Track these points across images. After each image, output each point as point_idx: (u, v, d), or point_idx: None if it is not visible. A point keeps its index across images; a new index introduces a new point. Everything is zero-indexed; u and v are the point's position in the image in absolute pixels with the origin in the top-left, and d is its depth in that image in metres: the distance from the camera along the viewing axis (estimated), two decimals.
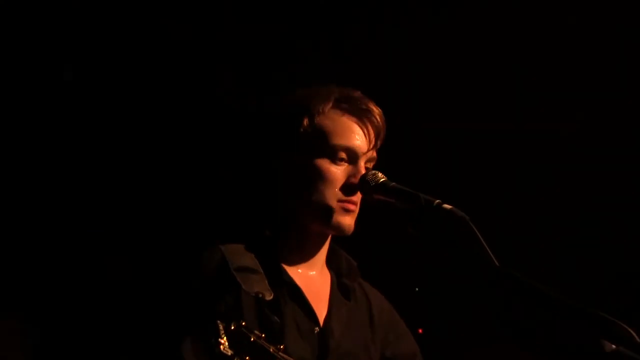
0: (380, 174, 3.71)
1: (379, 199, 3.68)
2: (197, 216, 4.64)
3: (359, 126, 3.69)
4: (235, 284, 3.42)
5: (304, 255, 3.70)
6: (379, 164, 3.70)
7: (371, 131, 3.66)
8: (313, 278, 3.68)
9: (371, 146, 3.65)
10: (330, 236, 3.73)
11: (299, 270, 3.67)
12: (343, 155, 3.61)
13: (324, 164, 3.60)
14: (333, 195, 3.58)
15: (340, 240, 3.73)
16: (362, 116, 3.65)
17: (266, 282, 3.49)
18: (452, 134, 4.87)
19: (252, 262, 3.53)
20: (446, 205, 3.41)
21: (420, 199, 3.51)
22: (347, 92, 3.76)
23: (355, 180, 3.61)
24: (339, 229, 3.62)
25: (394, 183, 3.65)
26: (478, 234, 3.29)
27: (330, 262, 3.77)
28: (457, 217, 3.32)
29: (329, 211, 3.57)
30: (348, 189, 3.60)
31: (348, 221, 3.60)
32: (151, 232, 4.59)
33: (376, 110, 3.76)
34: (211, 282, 3.47)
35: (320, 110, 3.68)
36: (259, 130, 3.82)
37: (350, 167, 3.62)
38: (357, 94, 3.78)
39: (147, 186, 4.63)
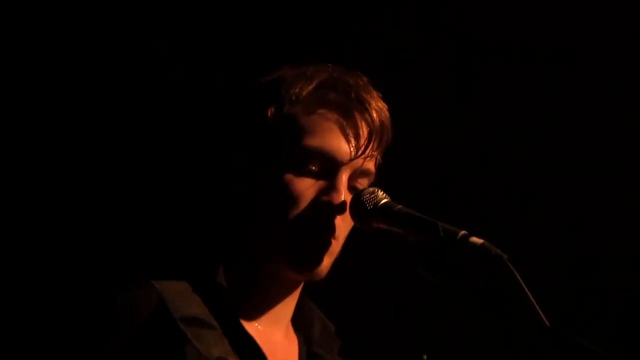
0: (380, 193, 2.69)
1: (379, 229, 2.67)
2: (121, 239, 3.73)
3: (344, 124, 2.68)
4: (182, 342, 2.42)
5: (262, 307, 2.68)
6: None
7: (363, 132, 2.65)
8: (276, 343, 2.67)
9: (360, 153, 2.64)
10: (301, 284, 2.73)
11: (258, 327, 2.65)
12: (314, 163, 2.62)
13: (286, 174, 2.63)
14: (296, 219, 2.60)
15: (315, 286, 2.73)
16: (350, 110, 2.65)
17: (227, 342, 2.51)
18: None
19: (201, 310, 2.53)
20: (475, 239, 2.43)
21: (439, 229, 2.49)
22: (341, 76, 2.75)
23: (331, 199, 2.61)
24: (304, 270, 2.63)
25: (400, 206, 2.63)
26: (520, 280, 2.33)
27: (297, 323, 2.76)
28: (491, 256, 2.37)
29: (290, 244, 2.61)
30: (319, 211, 2.60)
31: (318, 260, 2.61)
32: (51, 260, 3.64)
33: (375, 104, 2.72)
34: (143, 338, 2.44)
35: (294, 97, 2.67)
36: (209, 126, 2.93)
37: (323, 181, 2.63)
38: (355, 79, 2.76)
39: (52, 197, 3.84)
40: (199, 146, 3.19)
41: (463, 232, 2.47)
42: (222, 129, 2.88)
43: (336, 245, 2.61)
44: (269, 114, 2.64)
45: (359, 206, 2.68)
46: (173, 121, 3.86)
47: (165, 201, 3.73)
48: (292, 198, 2.60)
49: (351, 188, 2.74)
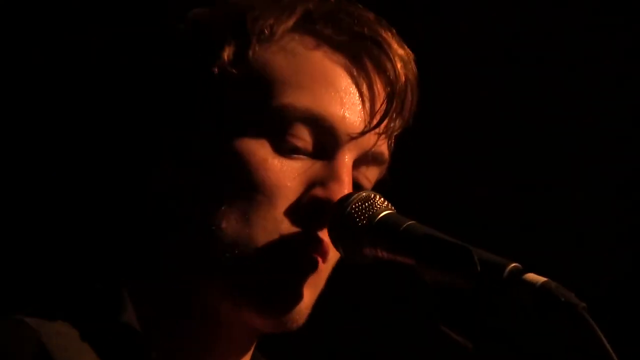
0: (379, 199, 1.81)
1: (376, 258, 1.80)
2: None
3: (350, 76, 1.88)
4: None
5: None
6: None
7: (378, 92, 1.89)
8: None
9: (375, 123, 1.87)
10: (256, 336, 1.98)
11: None
12: (301, 135, 1.83)
13: (259, 150, 1.83)
14: (269, 228, 1.83)
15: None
16: (359, 54, 1.88)
17: None
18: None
19: None
20: (533, 276, 1.62)
21: (473, 260, 1.64)
22: (340, 4, 1.93)
23: (328, 194, 1.84)
24: (275, 314, 1.85)
25: (410, 221, 1.77)
26: (605, 342, 1.59)
27: None
28: (559, 303, 1.60)
29: (254, 269, 1.83)
30: (307, 213, 1.83)
31: (296, 297, 1.85)
32: None
33: (398, 49, 1.91)
34: None
35: (267, 33, 1.87)
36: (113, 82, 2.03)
37: (320, 163, 1.86)
38: (364, 11, 1.93)
39: None
40: (96, 113, 2.19)
41: (513, 264, 1.64)
42: (137, 85, 1.97)
43: (325, 273, 1.89)
44: (225, 58, 1.85)
45: (344, 221, 1.80)
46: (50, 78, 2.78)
47: (48, 199, 2.64)
48: (262, 190, 1.83)
49: (354, 183, 1.92)
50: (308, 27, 1.88)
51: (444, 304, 1.67)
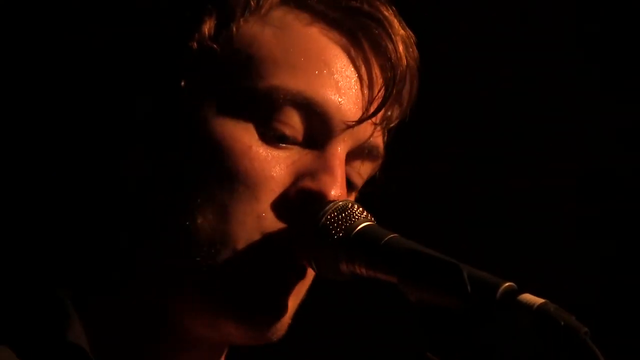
0: (358, 209, 1.64)
1: (354, 275, 1.62)
2: None
3: (346, 56, 1.71)
4: None
5: None
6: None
7: (376, 76, 1.72)
8: None
9: (372, 111, 1.70)
10: (226, 348, 1.79)
11: None
12: (293, 120, 1.67)
13: (243, 137, 1.65)
14: (255, 219, 1.64)
15: None
16: (356, 33, 1.72)
17: None
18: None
19: None
20: (529, 297, 1.47)
21: (463, 279, 1.47)
22: None
23: (320, 187, 1.67)
24: (256, 325, 1.67)
25: (392, 234, 1.60)
26: None
27: None
28: (558, 327, 1.44)
29: (232, 273, 1.65)
30: (298, 206, 1.66)
31: (280, 305, 1.68)
32: None
33: (399, 30, 1.74)
34: None
35: (253, 3, 1.69)
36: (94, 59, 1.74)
37: (310, 153, 1.69)
38: None
39: None
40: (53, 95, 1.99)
41: (507, 284, 1.48)
42: (101, 60, 1.74)
43: (309, 278, 1.71)
44: (205, 32, 1.66)
45: (318, 233, 1.62)
46: None
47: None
48: (244, 181, 1.64)
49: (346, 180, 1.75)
50: (301, 0, 1.70)
51: (431, 325, 1.50)
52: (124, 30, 1.72)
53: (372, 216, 1.64)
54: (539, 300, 1.45)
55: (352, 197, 1.74)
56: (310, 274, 1.69)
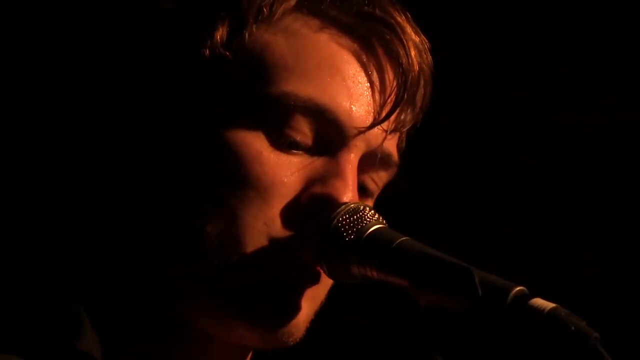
0: (369, 212, 1.63)
1: (365, 279, 1.61)
2: None
3: (360, 60, 1.70)
4: None
5: None
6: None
7: (389, 80, 1.71)
8: None
9: (384, 114, 1.69)
10: (250, 354, 1.76)
11: None
12: (301, 127, 1.65)
13: (254, 142, 1.64)
14: (265, 224, 1.63)
15: None
16: (369, 38, 1.71)
17: None
18: None
19: None
20: (541, 301, 1.45)
21: (474, 282, 1.46)
22: None
23: (331, 193, 1.65)
24: (270, 327, 1.65)
25: (404, 237, 1.59)
26: None
27: None
28: (569, 332, 1.42)
29: (246, 273, 1.64)
30: (309, 211, 1.65)
31: (293, 308, 1.66)
32: None
33: (412, 35, 1.73)
34: None
35: (265, 10, 1.68)
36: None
37: (321, 159, 1.68)
38: None
39: None
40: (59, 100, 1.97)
41: (518, 288, 1.47)
42: (110, 65, 1.73)
43: (325, 283, 1.70)
44: (217, 39, 1.65)
45: (329, 236, 1.61)
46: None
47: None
48: (255, 186, 1.64)
49: (359, 186, 1.72)
50: (312, 6, 1.69)
51: (441, 329, 1.49)
52: (136, 34, 1.71)
53: (383, 219, 1.63)
54: (550, 305, 1.44)
55: (369, 203, 1.73)
56: (326, 278, 1.67)
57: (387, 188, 1.78)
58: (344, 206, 1.62)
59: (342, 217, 1.60)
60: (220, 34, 1.64)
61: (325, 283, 1.69)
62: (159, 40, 1.69)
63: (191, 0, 1.70)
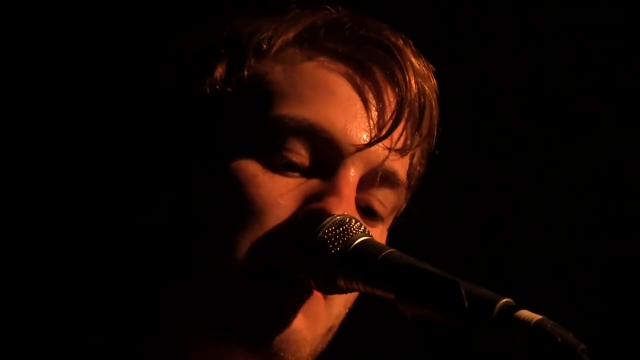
0: (355, 223, 1.62)
1: (353, 291, 1.62)
2: None
3: (354, 82, 1.72)
4: None
5: None
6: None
7: (388, 101, 1.73)
8: None
9: (383, 133, 1.71)
10: None
11: None
12: (299, 149, 1.67)
13: (249, 166, 1.67)
14: (262, 245, 1.65)
15: None
16: (365, 62, 1.74)
17: None
18: None
19: None
20: (527, 313, 1.45)
21: (461, 295, 1.45)
22: (347, 15, 1.77)
23: (325, 207, 1.65)
24: (264, 342, 1.64)
25: (390, 249, 1.58)
26: None
27: None
28: (556, 344, 1.42)
29: (245, 292, 1.64)
30: (305, 230, 1.63)
31: (290, 323, 1.65)
32: None
33: (411, 57, 1.75)
34: None
35: (264, 45, 1.72)
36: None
37: (318, 179, 1.68)
38: (367, 18, 1.77)
39: None
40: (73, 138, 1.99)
41: (504, 300, 1.46)
42: (123, 107, 1.84)
43: (330, 305, 1.70)
44: (217, 77, 1.69)
45: (315, 248, 1.61)
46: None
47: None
48: (251, 209, 1.65)
49: (360, 206, 1.72)
50: (310, 39, 1.72)
51: (428, 341, 1.48)
52: (138, 75, 1.76)
53: (370, 231, 1.63)
54: (536, 317, 1.44)
55: (379, 228, 1.73)
56: (331, 298, 1.67)
57: (403, 215, 1.79)
58: (329, 218, 1.61)
59: (327, 230, 1.60)
60: (220, 71, 1.68)
61: (330, 305, 1.68)
62: (163, 79, 1.75)
63: (196, 43, 1.75)
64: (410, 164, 1.76)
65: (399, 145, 1.70)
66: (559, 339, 1.40)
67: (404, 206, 1.79)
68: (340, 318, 1.71)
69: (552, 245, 3.16)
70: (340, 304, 1.68)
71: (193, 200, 1.68)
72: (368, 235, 1.61)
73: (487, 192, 3.13)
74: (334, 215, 1.62)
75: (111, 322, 1.72)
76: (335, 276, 1.59)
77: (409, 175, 1.75)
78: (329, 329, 1.70)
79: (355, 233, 1.60)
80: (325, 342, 1.70)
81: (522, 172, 3.16)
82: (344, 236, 1.59)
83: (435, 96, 1.75)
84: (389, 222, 1.75)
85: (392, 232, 1.73)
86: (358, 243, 1.59)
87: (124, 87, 1.81)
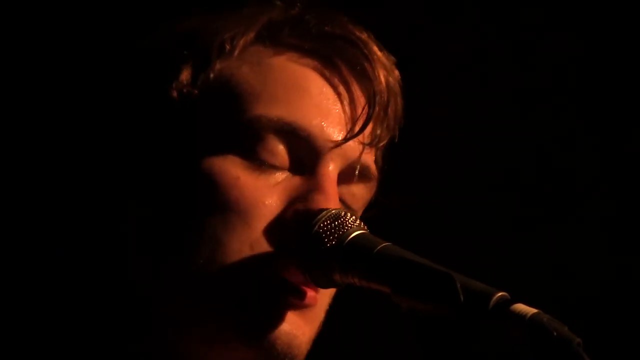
0: (350, 217, 1.63)
1: (346, 285, 1.61)
2: None
3: (324, 76, 1.72)
4: None
5: None
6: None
7: (357, 96, 1.74)
8: None
9: (358, 128, 1.72)
10: None
11: None
12: (278, 148, 1.68)
13: (230, 169, 1.66)
14: (249, 246, 1.64)
15: None
16: (333, 58, 1.74)
17: None
18: None
19: None
20: (522, 307, 1.44)
21: (456, 288, 1.45)
22: (310, 10, 1.77)
23: (311, 205, 1.65)
24: (262, 341, 1.63)
25: (385, 243, 1.58)
26: None
27: None
28: (551, 338, 1.41)
29: (235, 293, 1.64)
30: (291, 230, 1.64)
31: (291, 325, 1.65)
32: None
33: (375, 49, 1.75)
34: None
35: (227, 46, 1.71)
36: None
37: (299, 177, 1.69)
38: (328, 11, 1.77)
39: None
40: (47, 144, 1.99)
41: (500, 293, 1.46)
42: (95, 113, 1.77)
43: (322, 300, 1.71)
44: (183, 80, 1.69)
45: (310, 242, 1.61)
46: None
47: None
48: (236, 210, 1.65)
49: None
50: (273, 36, 1.72)
51: (424, 335, 1.48)
52: (108, 84, 1.76)
53: (365, 225, 1.63)
54: (531, 311, 1.44)
55: None
56: (322, 294, 1.68)
57: (371, 207, 1.79)
58: (325, 212, 1.61)
59: (323, 223, 1.60)
60: (185, 74, 1.68)
61: (322, 300, 1.69)
62: (131, 86, 1.74)
63: (158, 44, 1.74)
64: (376, 157, 1.77)
65: (370, 138, 1.71)
66: (555, 333, 1.40)
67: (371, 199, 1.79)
68: (327, 307, 1.72)
69: (547, 238, 3.18)
70: (329, 294, 1.70)
71: (175, 203, 1.68)
72: (363, 229, 1.61)
73: (482, 186, 3.15)
74: (329, 209, 1.62)
75: (105, 322, 1.71)
76: (331, 270, 1.59)
77: (377, 168, 1.77)
78: (321, 321, 1.71)
79: (350, 227, 1.60)
80: (316, 332, 1.71)
81: (520, 169, 3.20)
82: (339, 230, 1.59)
83: (399, 87, 1.76)
84: (359, 213, 1.76)
85: (387, 226, 1.72)
86: (354, 237, 1.59)
87: (92, 92, 1.80)
